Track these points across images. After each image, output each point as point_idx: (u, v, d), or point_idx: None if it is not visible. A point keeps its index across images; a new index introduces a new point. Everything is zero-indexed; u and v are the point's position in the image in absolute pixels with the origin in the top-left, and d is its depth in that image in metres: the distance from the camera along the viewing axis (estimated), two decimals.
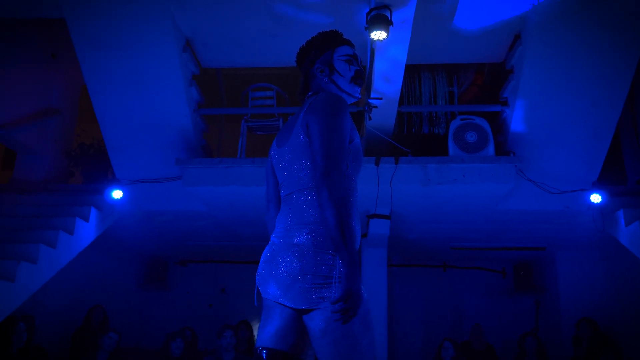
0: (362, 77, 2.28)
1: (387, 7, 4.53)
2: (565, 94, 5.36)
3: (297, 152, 2.06)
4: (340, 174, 1.91)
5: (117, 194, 5.87)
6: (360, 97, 2.33)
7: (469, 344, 7.12)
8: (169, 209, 6.29)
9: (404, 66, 5.17)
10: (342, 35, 2.31)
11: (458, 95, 6.62)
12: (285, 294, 1.96)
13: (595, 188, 5.65)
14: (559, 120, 5.48)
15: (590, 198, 5.61)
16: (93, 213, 5.93)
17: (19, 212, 5.98)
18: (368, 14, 4.61)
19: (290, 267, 1.95)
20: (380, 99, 5.36)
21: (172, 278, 8.74)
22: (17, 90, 6.68)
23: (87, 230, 5.85)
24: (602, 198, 5.58)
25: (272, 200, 2.26)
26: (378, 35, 4.54)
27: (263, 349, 2.00)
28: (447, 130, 5.93)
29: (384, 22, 4.50)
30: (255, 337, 2.16)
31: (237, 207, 6.11)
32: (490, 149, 5.55)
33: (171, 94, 5.60)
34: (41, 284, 5.21)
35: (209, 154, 6.17)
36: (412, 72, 6.53)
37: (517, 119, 5.56)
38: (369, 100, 5.38)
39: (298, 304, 1.94)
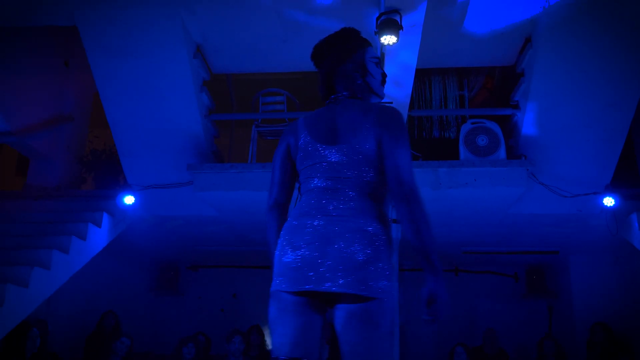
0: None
1: (397, 11, 4.54)
2: (577, 97, 5.32)
3: (360, 156, 2.04)
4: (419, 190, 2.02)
5: (129, 199, 5.90)
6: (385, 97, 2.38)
7: (481, 349, 7.08)
8: (181, 214, 6.31)
9: (414, 70, 5.17)
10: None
11: (469, 99, 6.61)
12: (347, 279, 1.89)
13: (608, 191, 5.60)
14: (571, 123, 5.44)
15: (604, 201, 5.56)
16: (105, 218, 5.96)
17: (32, 218, 6.03)
18: (378, 18, 4.61)
19: (362, 253, 1.92)
20: (391, 103, 5.36)
21: (184, 283, 8.76)
22: (30, 98, 6.74)
23: (99, 236, 5.88)
24: (615, 201, 5.53)
25: (285, 185, 2.21)
26: (388, 39, 4.54)
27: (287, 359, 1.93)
28: (457, 134, 5.91)
29: (394, 27, 4.51)
30: (270, 343, 2.08)
31: (248, 212, 6.12)
32: (502, 152, 5.53)
33: (182, 99, 5.63)
34: (54, 290, 5.24)
35: (219, 159, 6.20)
36: (423, 76, 6.53)
37: (528, 122, 5.54)
38: None
39: (358, 290, 1.89)
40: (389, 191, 2.05)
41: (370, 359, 1.87)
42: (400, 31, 4.54)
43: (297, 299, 1.96)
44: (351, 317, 1.91)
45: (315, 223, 2.00)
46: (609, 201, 5.54)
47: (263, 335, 6.74)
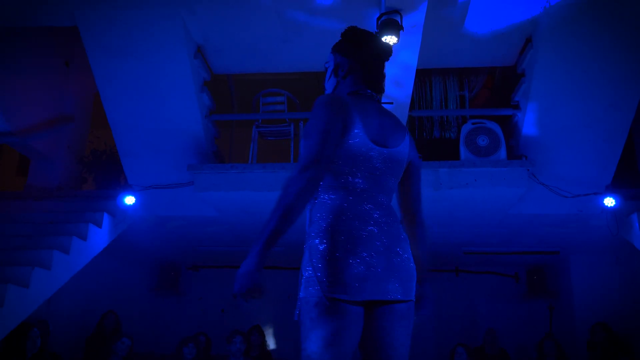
0: None
1: (397, 11, 4.54)
2: (577, 97, 5.32)
3: (396, 165, 2.12)
4: None
5: (129, 199, 5.90)
6: None
7: (482, 349, 7.08)
8: (181, 215, 6.31)
9: (414, 70, 5.17)
10: None
11: (469, 99, 6.60)
12: (406, 286, 2.01)
13: (609, 191, 5.60)
14: (572, 123, 5.44)
15: (604, 201, 5.56)
16: (106, 219, 5.96)
17: (33, 219, 6.04)
18: (378, 18, 4.61)
19: (410, 260, 2.06)
20: (391, 103, 5.36)
21: (185, 283, 8.76)
22: (31, 98, 6.74)
23: (100, 236, 5.89)
24: (615, 201, 5.53)
25: (327, 159, 1.96)
26: (389, 39, 4.54)
27: None
28: (458, 135, 5.91)
29: (394, 27, 4.51)
30: (308, 346, 1.90)
31: (249, 212, 6.12)
32: (502, 152, 5.53)
33: (183, 100, 5.64)
34: (55, 290, 5.24)
35: (220, 160, 6.20)
36: (423, 76, 6.52)
37: (528, 123, 5.54)
38: None
39: (413, 295, 2.05)
40: (406, 213, 2.24)
41: (407, 353, 2.05)
42: (401, 31, 4.54)
43: (353, 308, 1.91)
44: (401, 318, 2.01)
45: (368, 229, 1.98)
46: (609, 201, 5.54)
47: (264, 336, 6.73)
